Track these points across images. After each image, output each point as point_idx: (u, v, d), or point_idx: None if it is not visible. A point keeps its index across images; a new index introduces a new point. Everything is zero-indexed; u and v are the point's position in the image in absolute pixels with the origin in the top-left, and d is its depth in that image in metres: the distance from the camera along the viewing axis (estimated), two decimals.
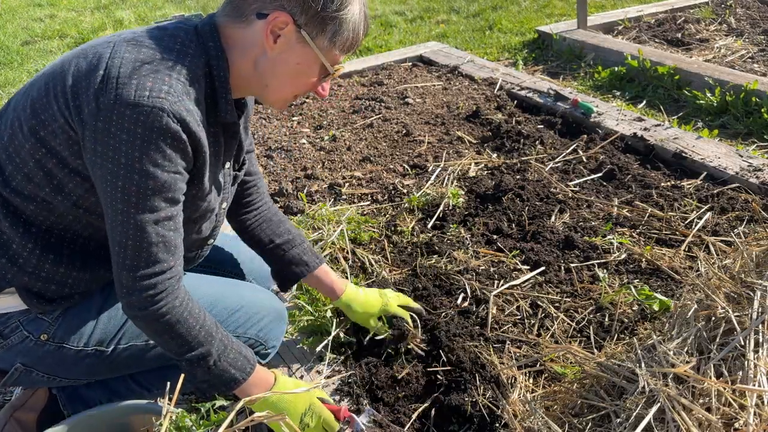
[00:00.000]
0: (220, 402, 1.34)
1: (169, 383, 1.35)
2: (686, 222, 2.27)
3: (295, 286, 2.05)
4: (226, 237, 1.83)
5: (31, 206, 1.28)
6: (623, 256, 2.10)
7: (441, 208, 2.45)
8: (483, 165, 2.81)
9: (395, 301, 1.80)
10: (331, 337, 1.79)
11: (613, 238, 2.18)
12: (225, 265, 1.79)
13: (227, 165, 1.47)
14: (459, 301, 1.95)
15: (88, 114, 1.15)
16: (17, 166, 1.26)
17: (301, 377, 1.70)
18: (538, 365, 1.70)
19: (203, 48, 1.26)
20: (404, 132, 3.15)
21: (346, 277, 2.10)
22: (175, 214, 1.24)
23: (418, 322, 1.81)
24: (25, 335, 1.35)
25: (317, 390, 1.50)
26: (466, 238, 2.25)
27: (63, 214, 1.29)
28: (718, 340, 1.34)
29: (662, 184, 2.54)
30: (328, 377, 1.72)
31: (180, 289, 1.28)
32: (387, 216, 2.50)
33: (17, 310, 1.35)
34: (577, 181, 2.61)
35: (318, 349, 1.77)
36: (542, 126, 3.12)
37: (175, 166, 1.20)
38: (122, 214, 1.18)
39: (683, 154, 2.69)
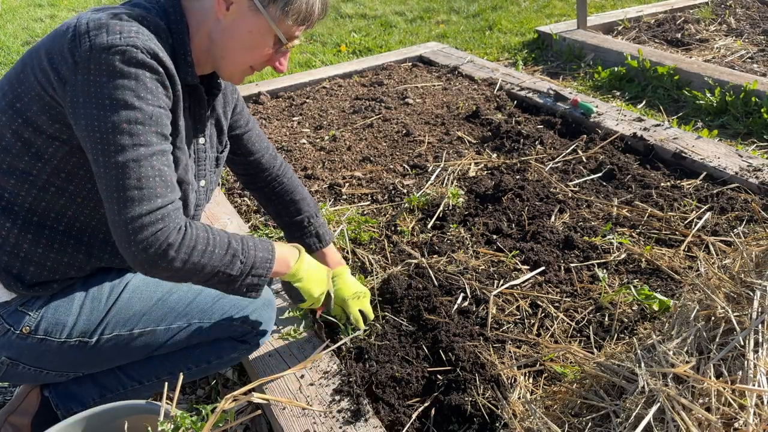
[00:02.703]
0: (221, 404, 1.34)
1: (166, 383, 1.35)
2: (686, 222, 2.27)
3: None
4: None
5: (11, 180, 1.30)
6: (623, 256, 2.10)
7: (441, 208, 2.45)
8: (483, 165, 2.81)
9: (358, 305, 1.78)
10: (337, 345, 1.79)
11: (613, 238, 2.18)
12: None
13: (201, 140, 1.49)
14: (459, 301, 1.95)
15: (66, 71, 1.19)
16: None
17: (302, 376, 1.70)
18: (538, 365, 1.70)
19: (164, 12, 1.32)
20: (404, 132, 3.15)
21: None
22: (167, 150, 1.25)
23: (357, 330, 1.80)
24: (6, 328, 1.36)
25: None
26: (466, 238, 2.25)
27: (45, 185, 1.31)
28: (717, 340, 1.34)
29: (662, 184, 2.54)
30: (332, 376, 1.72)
31: (182, 218, 1.26)
32: (387, 216, 2.50)
33: None
34: (576, 181, 2.61)
35: (319, 348, 1.77)
36: (542, 126, 3.12)
37: (158, 99, 1.22)
38: (115, 154, 1.18)
39: (683, 154, 2.69)
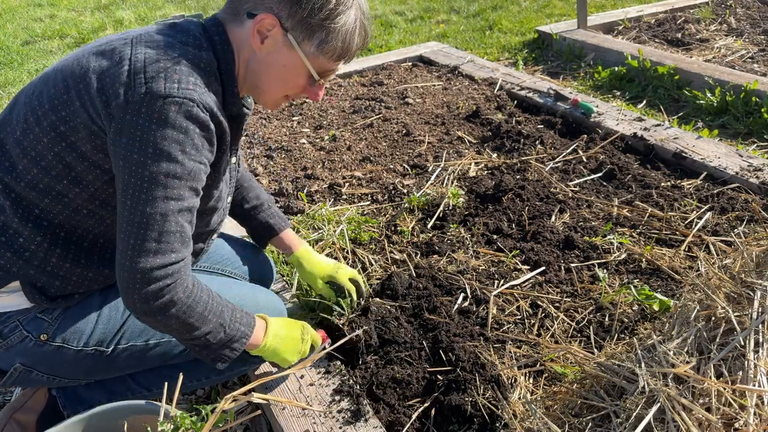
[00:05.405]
0: (221, 404, 1.34)
1: (167, 383, 1.35)
2: (686, 222, 2.27)
3: (295, 286, 2.06)
4: (230, 238, 1.86)
5: (46, 200, 1.29)
6: (623, 256, 2.10)
7: (441, 208, 2.45)
8: (483, 165, 2.81)
9: (347, 275, 1.82)
10: (337, 345, 1.79)
11: (613, 238, 2.18)
12: (227, 266, 1.80)
13: (233, 159, 1.50)
14: (459, 301, 1.94)
15: (115, 107, 1.17)
16: (33, 159, 1.27)
17: (302, 376, 1.70)
18: (538, 365, 1.70)
19: (211, 42, 1.30)
20: (404, 132, 3.15)
21: None
22: (194, 206, 1.26)
23: (359, 300, 1.85)
24: (25, 335, 1.36)
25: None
26: (466, 238, 2.25)
27: (78, 208, 1.30)
28: (718, 340, 1.33)
29: (662, 184, 2.54)
30: (330, 378, 1.72)
31: (190, 276, 1.29)
32: (387, 216, 2.50)
33: (16, 309, 1.35)
34: (577, 181, 2.61)
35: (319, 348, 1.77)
36: (542, 126, 3.12)
37: (201, 156, 1.22)
38: (145, 204, 1.18)
39: (683, 154, 2.69)
